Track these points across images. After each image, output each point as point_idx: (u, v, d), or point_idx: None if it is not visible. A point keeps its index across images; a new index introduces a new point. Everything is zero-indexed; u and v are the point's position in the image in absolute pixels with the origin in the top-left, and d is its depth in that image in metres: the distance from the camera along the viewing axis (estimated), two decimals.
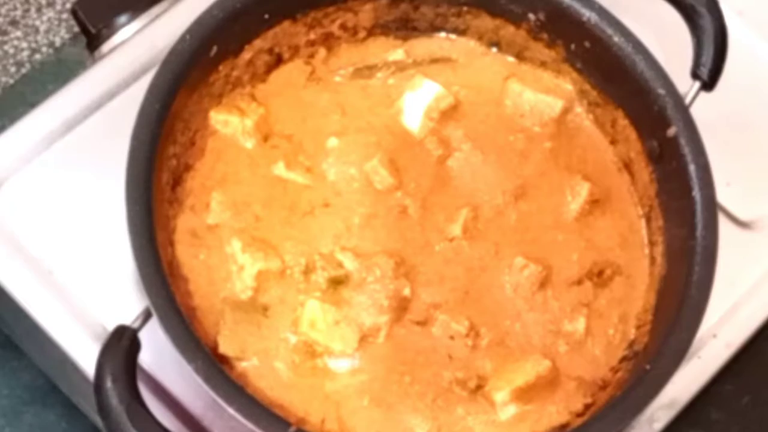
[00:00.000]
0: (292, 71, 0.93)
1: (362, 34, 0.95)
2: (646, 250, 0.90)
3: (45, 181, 0.94)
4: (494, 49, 0.96)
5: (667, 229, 0.88)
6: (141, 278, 0.77)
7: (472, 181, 0.91)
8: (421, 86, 0.92)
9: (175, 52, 0.84)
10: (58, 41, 1.54)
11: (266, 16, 0.89)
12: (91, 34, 1.01)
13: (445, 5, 0.94)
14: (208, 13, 0.86)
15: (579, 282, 0.88)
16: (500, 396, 0.83)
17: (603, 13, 0.89)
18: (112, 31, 1.00)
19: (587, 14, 0.89)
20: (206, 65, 0.87)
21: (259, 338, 0.83)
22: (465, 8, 0.94)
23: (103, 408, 0.75)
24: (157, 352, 0.83)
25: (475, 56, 0.96)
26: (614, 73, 0.90)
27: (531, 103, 0.93)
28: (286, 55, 0.93)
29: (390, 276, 0.85)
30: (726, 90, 0.89)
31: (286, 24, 0.91)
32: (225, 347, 0.82)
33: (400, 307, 0.85)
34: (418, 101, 0.92)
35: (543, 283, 0.87)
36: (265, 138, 0.90)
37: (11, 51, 1.53)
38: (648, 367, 0.80)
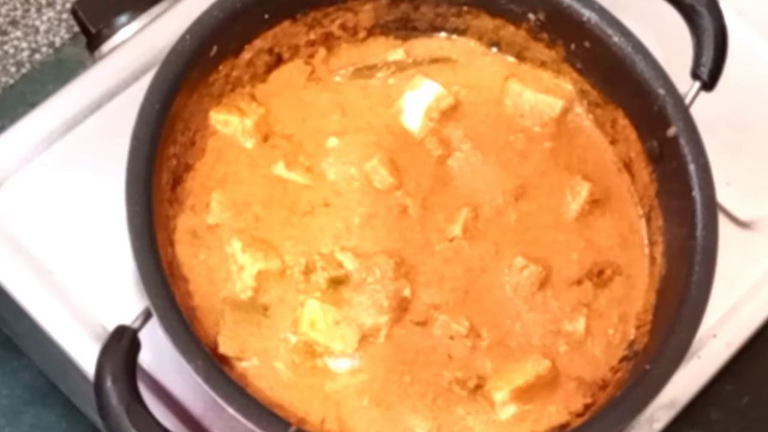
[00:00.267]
0: (292, 71, 0.93)
1: (362, 34, 0.95)
2: (646, 250, 0.90)
3: (45, 181, 0.94)
4: (494, 49, 0.96)
5: (667, 228, 0.88)
6: (141, 278, 0.77)
7: (472, 181, 0.91)
8: (421, 86, 0.92)
9: (175, 52, 0.84)
10: (58, 41, 1.54)
11: (266, 16, 0.89)
12: (91, 34, 1.01)
13: (445, 5, 0.94)
14: (208, 13, 0.86)
15: (579, 282, 0.88)
16: (500, 396, 0.83)
17: (603, 13, 0.89)
18: (112, 31, 1.00)
19: (587, 14, 0.89)
20: (206, 65, 0.87)
21: (259, 338, 0.83)
22: (465, 8, 0.94)
23: (103, 408, 0.75)
24: (157, 352, 0.83)
25: (475, 56, 0.96)
26: (614, 73, 0.90)
27: (531, 103, 0.93)
28: (286, 55, 0.93)
29: (390, 276, 0.85)
30: (726, 90, 0.89)
31: (286, 24, 0.91)
32: (225, 347, 0.82)
33: (400, 307, 0.85)
34: (418, 101, 0.92)
35: (543, 283, 0.87)
36: (265, 138, 0.90)
37: (11, 51, 1.53)
38: (648, 367, 0.80)
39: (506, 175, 0.91)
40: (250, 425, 0.75)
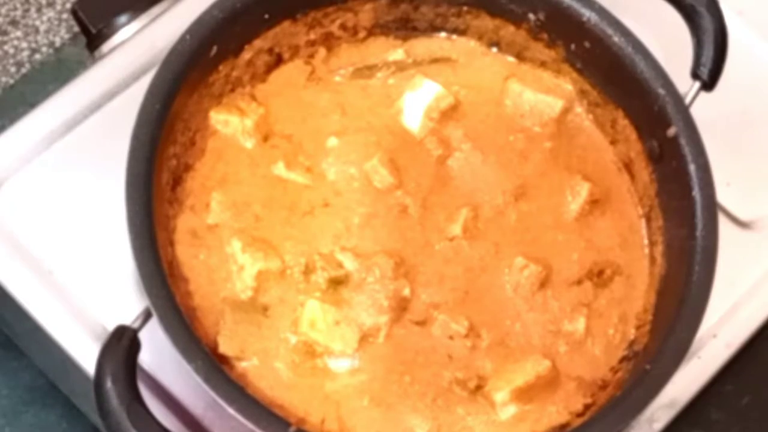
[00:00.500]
0: (292, 71, 0.93)
1: (362, 34, 0.95)
2: (646, 250, 0.90)
3: (45, 181, 0.94)
4: (494, 49, 0.96)
5: (667, 229, 0.88)
6: (141, 278, 0.77)
7: (472, 181, 0.91)
8: (421, 86, 0.92)
9: (175, 52, 0.84)
10: (58, 41, 1.54)
11: (266, 16, 0.89)
12: (91, 34, 1.01)
13: (445, 5, 0.94)
14: (208, 13, 0.86)
15: (579, 282, 0.88)
16: (500, 396, 0.83)
17: (603, 13, 0.89)
18: (112, 31, 1.00)
19: (587, 14, 0.89)
20: (206, 65, 0.87)
21: (259, 338, 0.83)
22: (465, 8, 0.94)
23: (103, 408, 0.75)
24: (157, 352, 0.83)
25: (475, 56, 0.96)
26: (614, 73, 0.90)
27: (531, 103, 0.93)
28: (286, 55, 0.93)
29: (390, 276, 0.85)
30: (726, 90, 0.89)
31: (286, 24, 0.91)
32: (225, 347, 0.82)
33: (400, 307, 0.85)
34: (418, 101, 0.92)
35: (543, 283, 0.87)
36: (265, 138, 0.90)
37: (11, 51, 1.53)
38: (648, 367, 0.80)
39: (506, 175, 0.91)
40: (250, 425, 0.75)
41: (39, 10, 1.55)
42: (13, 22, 1.54)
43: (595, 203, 0.91)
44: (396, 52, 0.95)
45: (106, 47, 1.00)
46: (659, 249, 0.88)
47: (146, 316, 0.78)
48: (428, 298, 0.86)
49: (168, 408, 0.87)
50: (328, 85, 0.93)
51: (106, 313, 0.90)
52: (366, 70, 0.94)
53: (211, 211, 0.87)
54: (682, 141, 0.85)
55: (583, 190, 0.90)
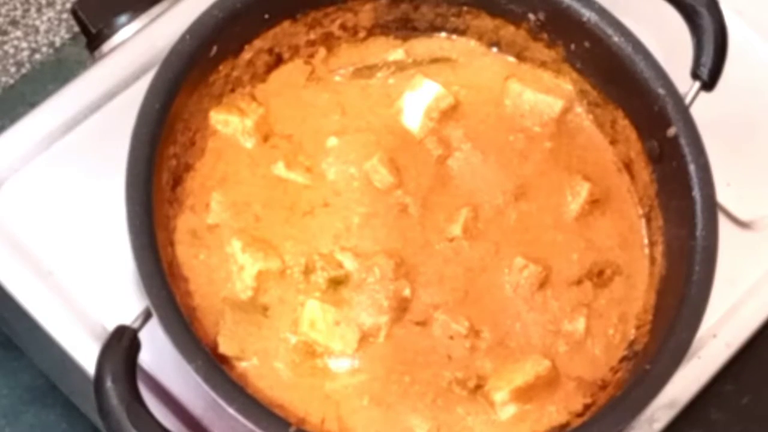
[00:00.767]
0: (292, 71, 0.93)
1: (362, 34, 0.95)
2: (646, 250, 0.90)
3: (45, 181, 0.94)
4: (494, 49, 0.96)
5: (667, 229, 0.88)
6: (141, 278, 0.77)
7: (472, 181, 0.91)
8: (421, 86, 0.92)
9: (175, 52, 0.84)
10: (58, 41, 1.54)
11: (266, 16, 0.89)
12: (91, 34, 1.01)
13: (445, 5, 0.94)
14: (208, 13, 0.86)
15: (579, 282, 0.88)
16: (500, 396, 0.83)
17: (603, 13, 0.89)
18: (112, 31, 1.00)
19: (587, 14, 0.89)
20: (206, 65, 0.87)
21: (259, 338, 0.83)
22: (465, 8, 0.94)
23: (103, 408, 0.75)
24: (157, 352, 0.83)
25: (475, 56, 0.96)
26: (614, 73, 0.90)
27: (531, 103, 0.93)
28: (286, 55, 0.93)
29: (390, 276, 0.85)
30: (726, 90, 0.89)
31: (286, 24, 0.91)
32: (225, 347, 0.82)
33: (400, 307, 0.85)
34: (418, 101, 0.92)
35: (543, 283, 0.87)
36: (265, 138, 0.90)
37: (11, 51, 1.53)
38: (648, 367, 0.80)
39: (506, 175, 0.91)
40: (250, 425, 0.75)
41: (39, 10, 1.55)
42: (13, 22, 1.54)
43: (595, 203, 0.91)
44: (396, 52, 0.95)
45: (106, 47, 1.00)
46: (659, 249, 0.88)
47: (146, 316, 0.78)
48: (428, 298, 0.86)
49: (168, 408, 0.87)
50: (328, 85, 0.93)
51: (106, 313, 0.90)
52: (366, 70, 0.94)
53: (211, 211, 0.87)
54: (682, 141, 0.85)
55: (583, 190, 0.90)
